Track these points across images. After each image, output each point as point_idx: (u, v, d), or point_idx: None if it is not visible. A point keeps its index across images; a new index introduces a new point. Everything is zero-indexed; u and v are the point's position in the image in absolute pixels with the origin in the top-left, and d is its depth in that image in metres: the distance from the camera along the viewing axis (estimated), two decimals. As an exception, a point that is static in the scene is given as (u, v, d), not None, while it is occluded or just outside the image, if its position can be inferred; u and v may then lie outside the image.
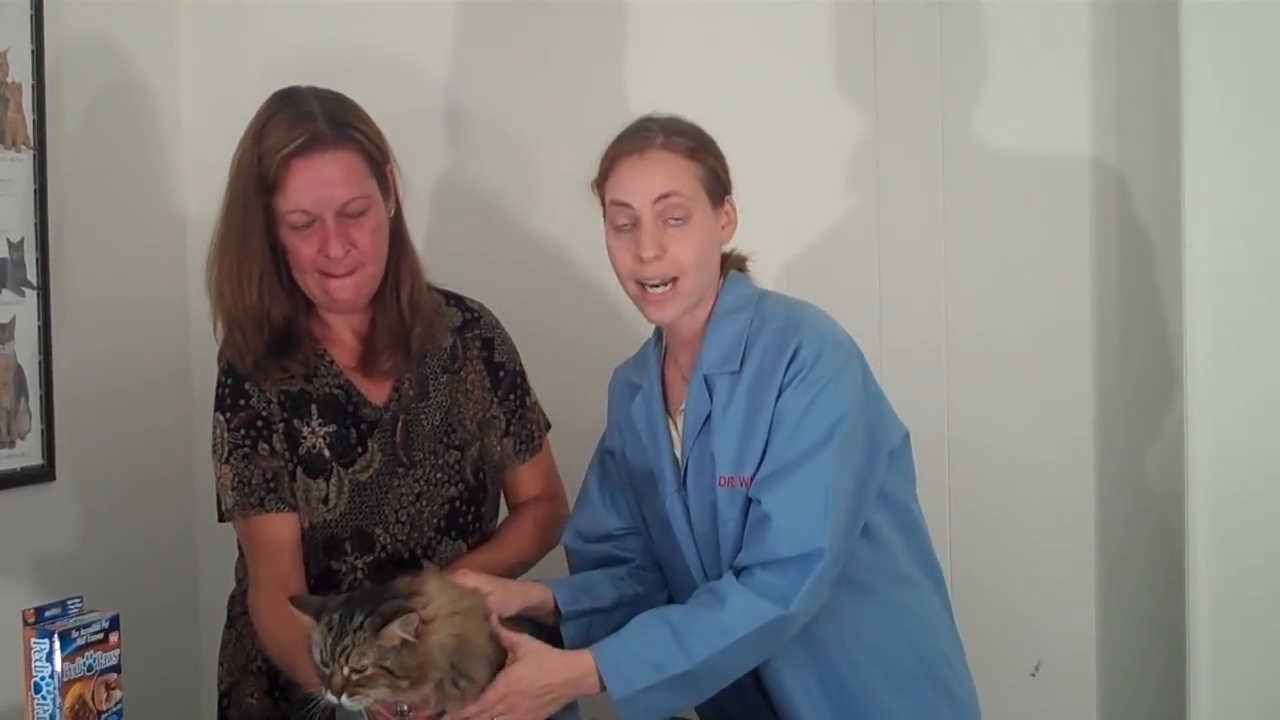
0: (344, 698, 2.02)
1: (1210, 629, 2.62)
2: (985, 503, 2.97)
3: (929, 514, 2.45)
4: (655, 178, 2.24)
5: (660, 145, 2.25)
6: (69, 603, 2.05)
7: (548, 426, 2.68)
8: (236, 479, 2.46)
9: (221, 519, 2.51)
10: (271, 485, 2.46)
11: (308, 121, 2.38)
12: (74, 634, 1.99)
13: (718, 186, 2.29)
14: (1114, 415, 2.93)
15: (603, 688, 2.12)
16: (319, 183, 2.36)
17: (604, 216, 2.32)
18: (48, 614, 2.01)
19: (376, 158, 2.44)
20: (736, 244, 2.39)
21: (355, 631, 2.02)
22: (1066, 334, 2.93)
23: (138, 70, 3.27)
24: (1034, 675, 2.96)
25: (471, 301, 2.64)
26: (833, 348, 2.23)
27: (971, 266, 3.00)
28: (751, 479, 2.22)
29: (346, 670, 2.01)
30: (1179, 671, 2.68)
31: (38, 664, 1.98)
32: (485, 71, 3.30)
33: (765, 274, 2.45)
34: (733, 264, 2.36)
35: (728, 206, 2.32)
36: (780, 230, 2.57)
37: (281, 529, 2.46)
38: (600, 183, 2.31)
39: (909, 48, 3.02)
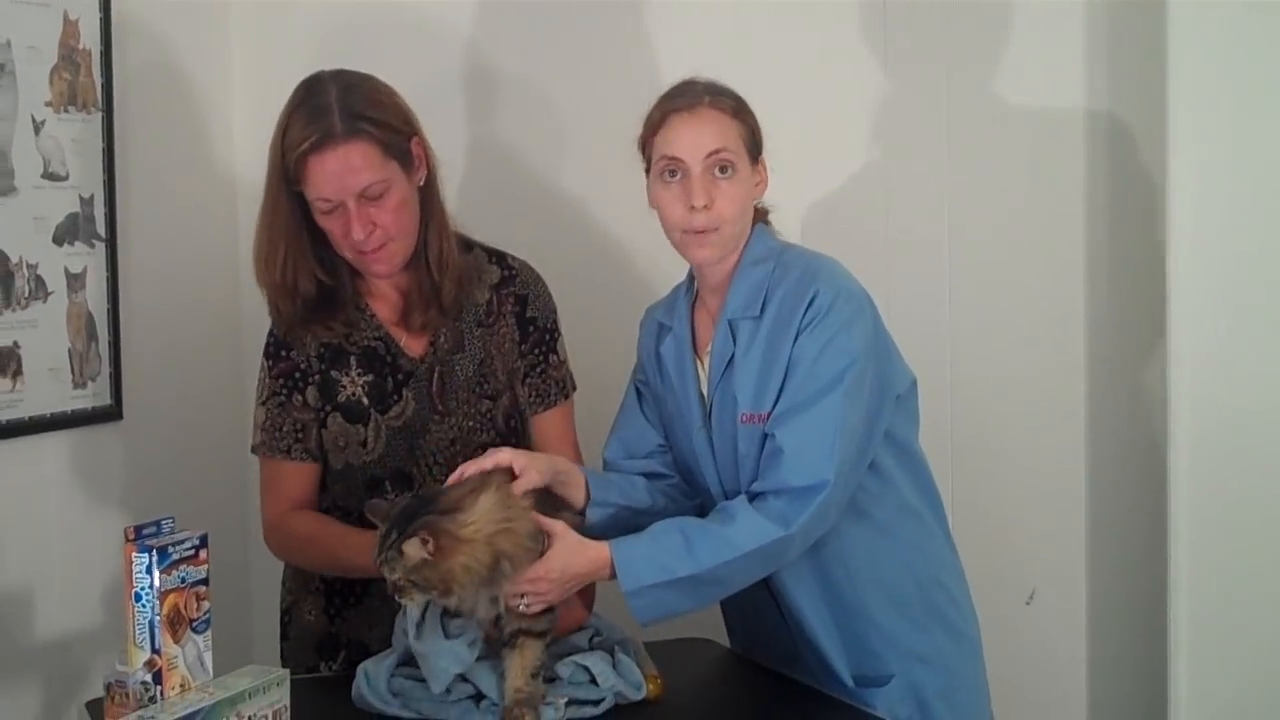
0: (400, 598, 2.18)
1: (1190, 561, 2.80)
2: (984, 442, 3.11)
3: (933, 452, 2.57)
4: (706, 134, 2.34)
5: (708, 104, 2.36)
6: (163, 522, 2.15)
7: (573, 388, 2.75)
8: (269, 422, 2.64)
9: (253, 451, 2.69)
10: (299, 436, 2.63)
11: (323, 117, 2.44)
12: (170, 549, 2.09)
13: (755, 146, 2.40)
14: (1104, 359, 3.07)
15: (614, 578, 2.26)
16: (334, 175, 2.44)
17: (647, 172, 2.42)
18: (146, 532, 2.11)
19: (393, 142, 2.49)
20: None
21: (388, 548, 2.15)
22: (1061, 280, 3.07)
23: (194, 39, 3.38)
24: (1028, 603, 3.13)
25: (513, 260, 2.72)
26: (846, 297, 2.34)
27: (974, 217, 3.14)
28: (769, 415, 2.34)
29: (391, 578, 2.16)
30: (1161, 598, 2.83)
31: (138, 575, 2.07)
32: (516, 33, 3.40)
33: (783, 223, 2.54)
34: (758, 217, 2.47)
35: (761, 166, 2.42)
36: (797, 183, 2.67)
37: (301, 475, 2.66)
38: (648, 138, 2.40)
39: (918, 13, 3.14)
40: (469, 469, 2.30)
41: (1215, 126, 2.76)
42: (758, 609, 2.50)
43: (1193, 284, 2.77)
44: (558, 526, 2.27)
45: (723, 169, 2.35)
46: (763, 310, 2.39)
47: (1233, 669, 2.80)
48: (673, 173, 2.38)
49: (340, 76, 2.52)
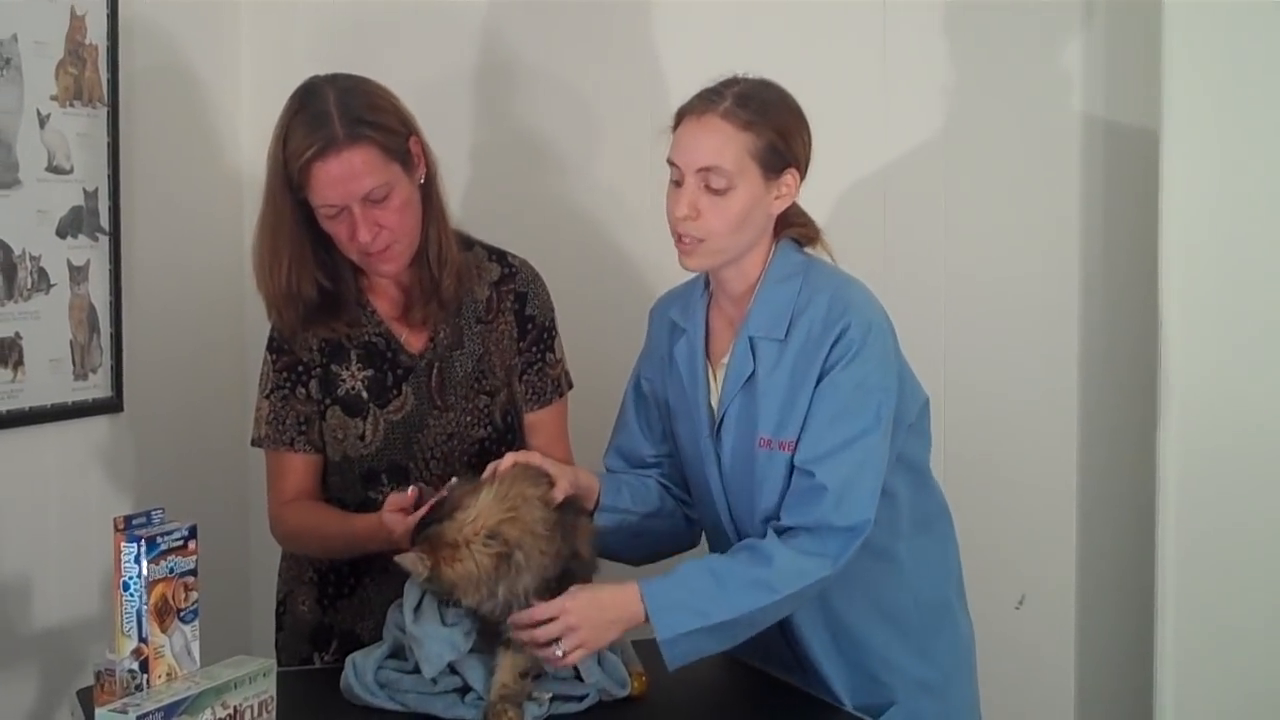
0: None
1: (1177, 569, 2.79)
2: (976, 451, 3.11)
3: (924, 457, 2.58)
4: (703, 147, 2.28)
5: (721, 113, 2.28)
6: (152, 513, 2.16)
7: (569, 387, 2.75)
8: (273, 415, 2.67)
9: (254, 444, 2.71)
10: (303, 428, 2.66)
11: (323, 125, 2.45)
12: (159, 540, 2.10)
13: (774, 159, 2.30)
14: (1096, 369, 3.08)
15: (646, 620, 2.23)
16: (339, 180, 2.45)
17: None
18: (135, 522, 2.12)
19: (393, 144, 2.50)
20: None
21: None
22: (1055, 286, 3.08)
23: (202, 37, 3.41)
24: (1018, 608, 3.14)
25: (514, 258, 2.72)
26: (878, 331, 2.30)
27: (969, 226, 3.15)
28: (792, 444, 2.30)
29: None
30: (1149, 604, 2.83)
31: (127, 565, 2.08)
32: (526, 29, 3.41)
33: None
34: (795, 232, 2.40)
35: (787, 178, 2.33)
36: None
37: (305, 466, 2.68)
38: (671, 131, 2.35)
39: (916, 22, 3.15)
40: (505, 463, 2.32)
41: (1209, 139, 2.77)
42: (759, 636, 2.44)
43: (1184, 297, 2.78)
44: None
45: (715, 188, 2.29)
46: (788, 333, 2.34)
47: (1218, 676, 2.81)
48: (674, 174, 2.34)
49: (336, 81, 2.53)
